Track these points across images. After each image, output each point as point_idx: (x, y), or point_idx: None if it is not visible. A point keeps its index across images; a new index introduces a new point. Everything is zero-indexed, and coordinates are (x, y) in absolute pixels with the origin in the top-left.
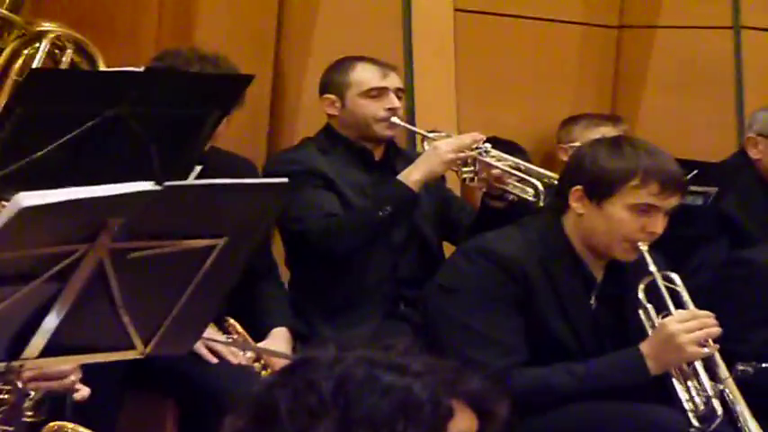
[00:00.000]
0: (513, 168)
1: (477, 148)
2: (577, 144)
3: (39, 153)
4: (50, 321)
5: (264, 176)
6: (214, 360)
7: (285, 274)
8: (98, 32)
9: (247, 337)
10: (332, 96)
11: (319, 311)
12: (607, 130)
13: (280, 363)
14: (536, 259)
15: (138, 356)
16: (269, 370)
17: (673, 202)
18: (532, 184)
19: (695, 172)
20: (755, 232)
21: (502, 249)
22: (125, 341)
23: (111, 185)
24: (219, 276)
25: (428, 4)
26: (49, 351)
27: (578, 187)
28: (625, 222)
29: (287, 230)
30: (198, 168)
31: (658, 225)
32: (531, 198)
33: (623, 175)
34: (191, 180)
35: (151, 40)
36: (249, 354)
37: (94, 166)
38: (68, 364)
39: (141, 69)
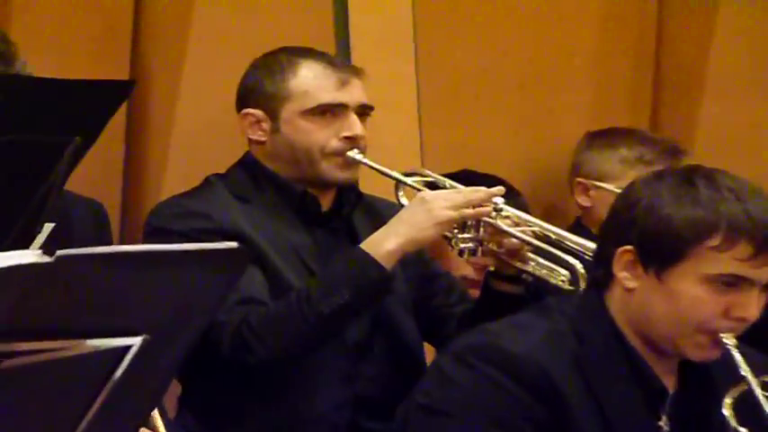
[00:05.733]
0: (539, 239)
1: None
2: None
3: None
4: None
5: (148, 232)
6: None
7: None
8: None
9: None
10: (257, 112)
11: None
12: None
13: None
14: (569, 363)
15: None
16: None
17: None
18: (566, 262)
19: None
20: None
21: (515, 349)
22: None
23: None
24: (138, 387)
25: None
26: None
27: (628, 248)
28: (700, 303)
29: None
30: (49, 226)
31: (751, 307)
32: (562, 284)
33: (697, 230)
34: (85, 250)
35: None
36: None
37: None
38: None
39: None
